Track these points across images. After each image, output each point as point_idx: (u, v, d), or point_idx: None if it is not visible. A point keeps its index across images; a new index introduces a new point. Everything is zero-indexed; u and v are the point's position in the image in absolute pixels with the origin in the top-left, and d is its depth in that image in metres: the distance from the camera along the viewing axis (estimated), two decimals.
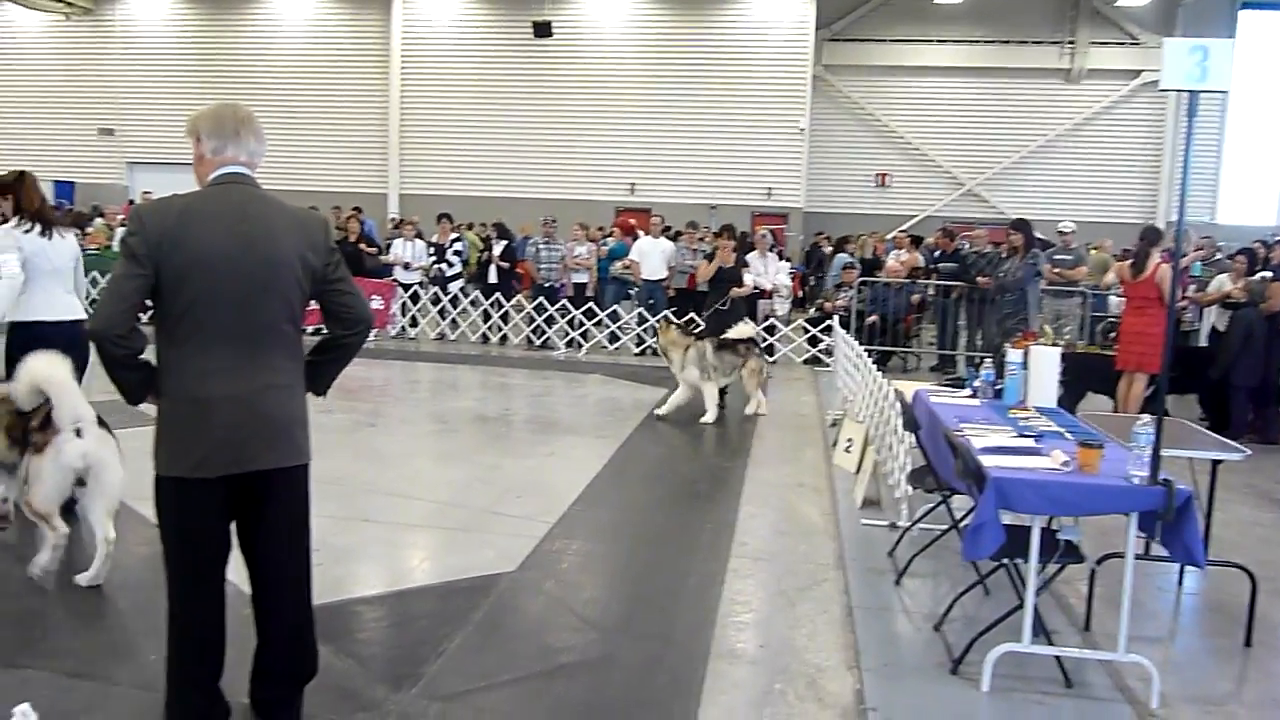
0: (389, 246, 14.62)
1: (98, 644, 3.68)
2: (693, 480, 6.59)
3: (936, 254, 13.61)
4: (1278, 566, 4.90)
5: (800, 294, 18.32)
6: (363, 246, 13.97)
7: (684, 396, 8.61)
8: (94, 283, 14.45)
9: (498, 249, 13.60)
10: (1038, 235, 10.29)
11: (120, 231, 13.43)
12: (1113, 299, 9.05)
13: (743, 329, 8.82)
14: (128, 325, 2.63)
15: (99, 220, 17.16)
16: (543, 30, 21.51)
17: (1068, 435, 4.18)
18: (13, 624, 3.85)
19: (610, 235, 14.75)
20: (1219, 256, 11.56)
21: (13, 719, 1.79)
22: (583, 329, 13.10)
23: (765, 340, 12.45)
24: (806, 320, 13.43)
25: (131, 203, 15.68)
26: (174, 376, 2.70)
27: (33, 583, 4.19)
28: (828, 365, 11.94)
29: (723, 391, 8.69)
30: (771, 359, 12.53)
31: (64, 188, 23.69)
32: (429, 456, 7.12)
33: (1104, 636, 4.02)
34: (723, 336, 8.74)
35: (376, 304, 13.44)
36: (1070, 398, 7.81)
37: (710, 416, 8.41)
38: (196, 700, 2.86)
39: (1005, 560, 3.77)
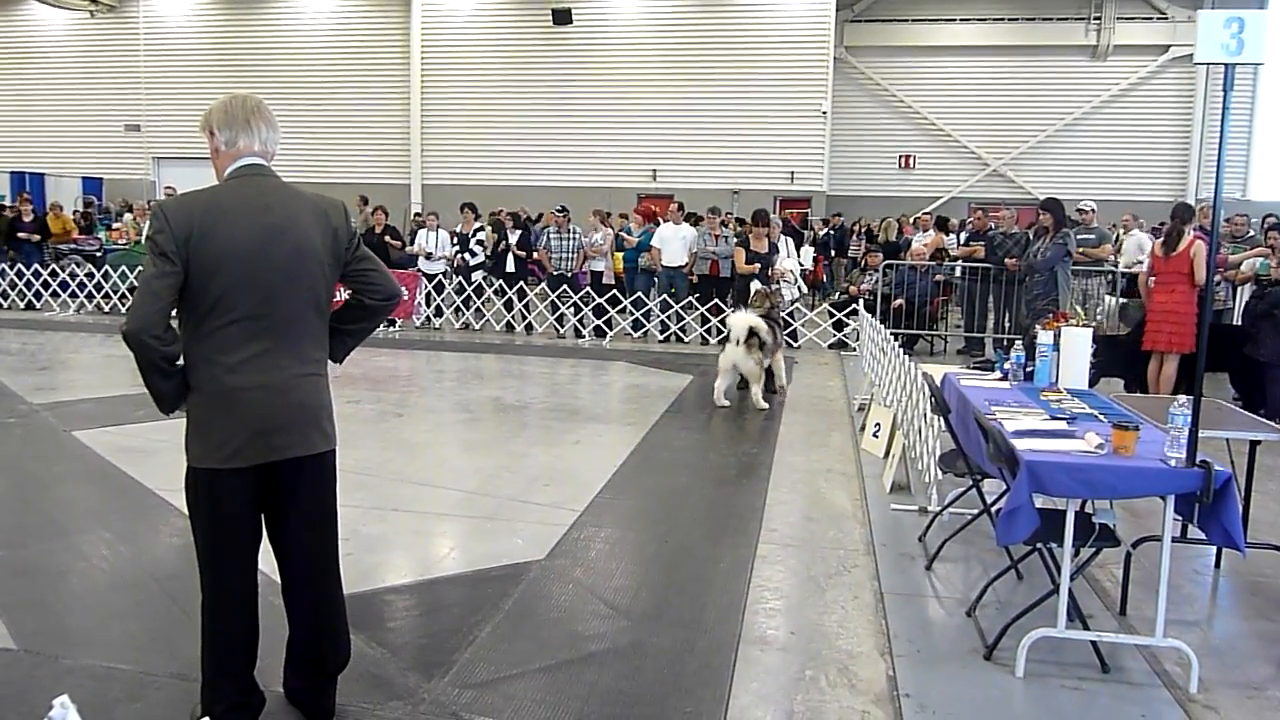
0: (413, 238, 14.71)
1: (134, 635, 3.72)
2: (720, 467, 6.57)
3: (965, 234, 13.50)
4: None
5: (825, 278, 18.24)
6: (388, 239, 14.04)
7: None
8: (123, 277, 14.69)
9: (513, 238, 13.61)
10: (1069, 215, 10.17)
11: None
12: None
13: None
14: (163, 325, 2.62)
15: (127, 216, 17.35)
16: (562, 17, 21.46)
17: (1101, 417, 4.12)
18: (50, 616, 3.91)
19: (629, 220, 14.71)
20: (1251, 234, 11.35)
21: (52, 710, 1.80)
22: (606, 317, 13.10)
23: (788, 326, 12.41)
24: (831, 305, 13.35)
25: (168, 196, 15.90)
26: (204, 369, 2.71)
27: (70, 577, 4.26)
28: (853, 350, 11.86)
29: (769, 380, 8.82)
30: (796, 344, 12.47)
31: (92, 184, 23.96)
32: (456, 445, 7.14)
33: (1140, 621, 3.98)
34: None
35: (401, 294, 13.51)
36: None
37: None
38: (232, 689, 2.88)
39: (1039, 544, 3.73)
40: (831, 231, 18.87)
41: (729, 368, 8.50)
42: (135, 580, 4.27)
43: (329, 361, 3.01)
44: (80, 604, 4.06)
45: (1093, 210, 11.71)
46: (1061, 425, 3.93)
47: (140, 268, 2.86)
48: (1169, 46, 21.85)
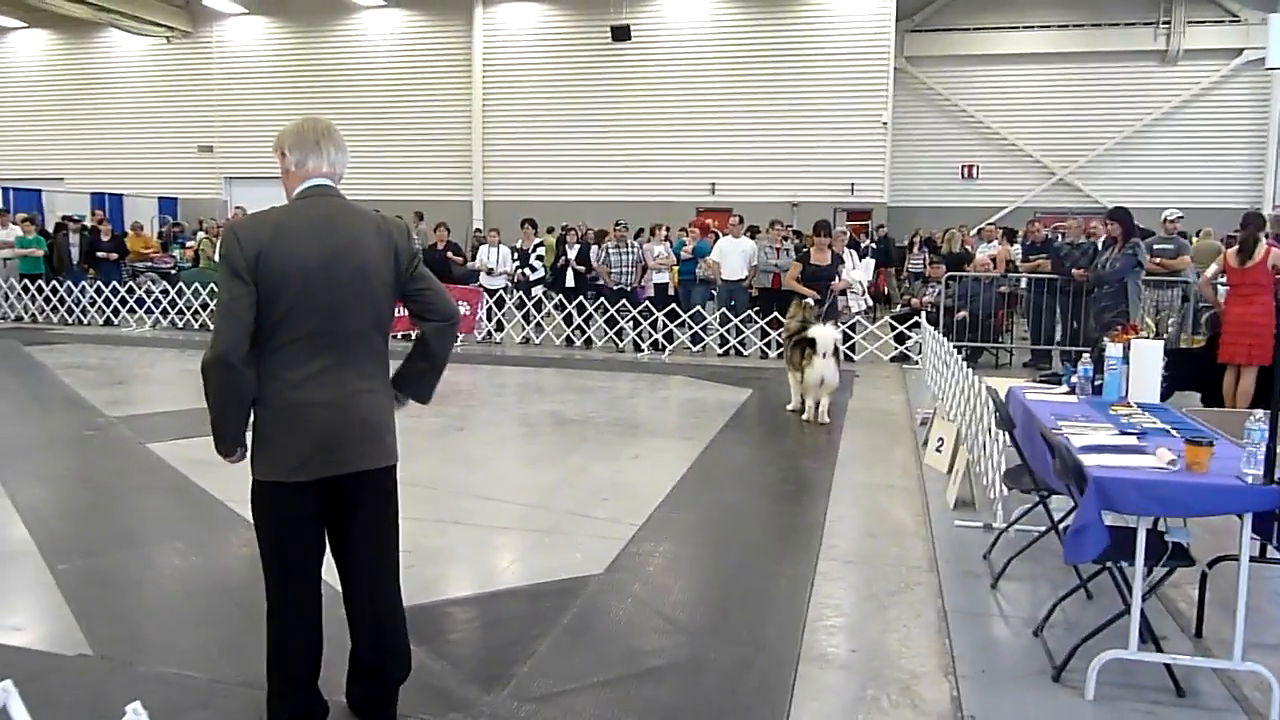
0: (474, 253, 14.92)
1: (205, 643, 3.81)
2: (779, 482, 6.52)
3: (1027, 244, 13.26)
4: None
5: (885, 290, 18.01)
6: (449, 255, 14.26)
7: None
8: (195, 294, 15.15)
9: (573, 253, 13.71)
10: (1138, 225, 9.91)
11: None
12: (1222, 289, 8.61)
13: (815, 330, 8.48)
14: (247, 347, 2.70)
15: (200, 234, 17.90)
16: (621, 34, 21.60)
17: (1174, 432, 4.01)
18: (125, 623, 4.03)
19: (686, 234, 14.70)
20: None
21: (125, 716, 1.86)
22: (666, 330, 13.11)
23: (849, 339, 12.27)
24: (893, 317, 13.19)
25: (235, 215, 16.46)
26: (270, 384, 2.77)
27: (144, 586, 4.38)
28: (916, 363, 11.70)
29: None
30: (856, 357, 12.29)
31: (168, 203, 24.76)
32: (516, 459, 7.20)
33: (1217, 643, 3.84)
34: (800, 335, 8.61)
35: (463, 309, 13.67)
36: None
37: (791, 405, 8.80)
38: (296, 697, 2.94)
39: (1109, 563, 3.62)
40: (874, 244, 18.57)
41: (818, 382, 8.23)
42: (205, 590, 4.38)
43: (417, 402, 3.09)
44: (153, 612, 4.19)
45: (1179, 218, 11.39)
46: (1131, 440, 3.83)
47: (212, 284, 2.94)
48: (1242, 50, 21.18)
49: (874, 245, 18.29)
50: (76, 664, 3.61)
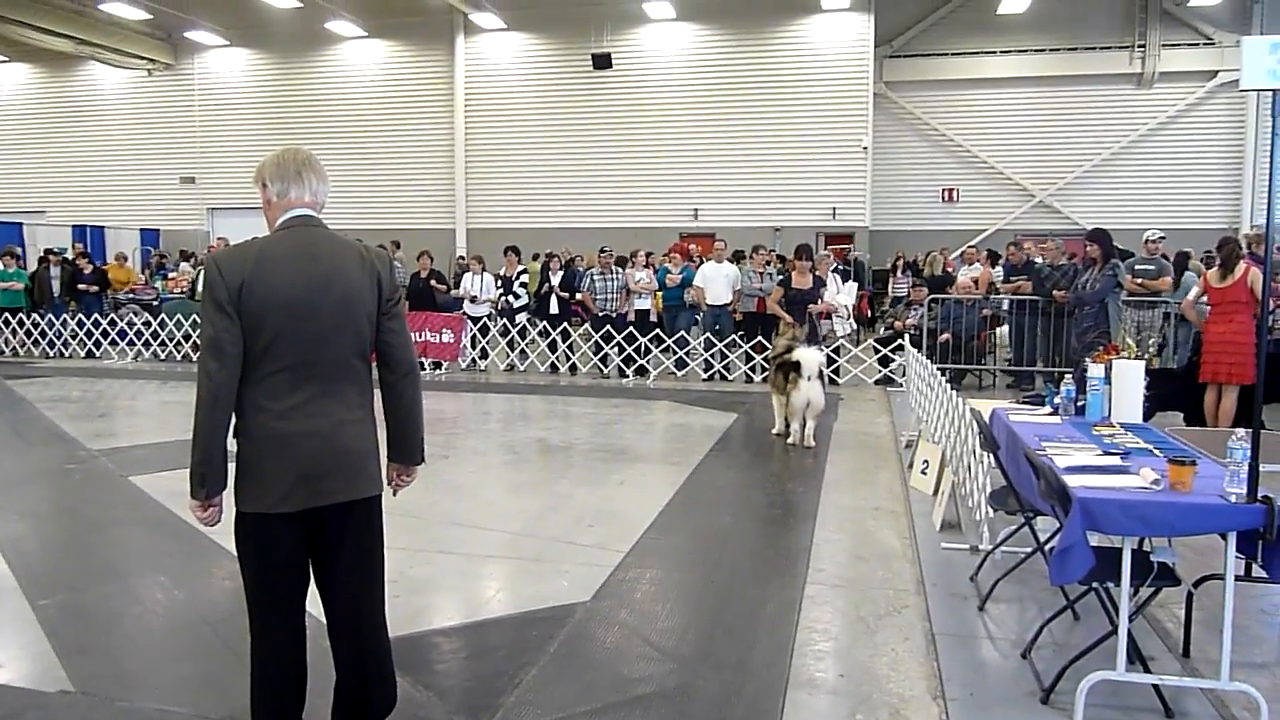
0: (458, 281, 14.92)
1: (187, 677, 3.77)
2: (766, 506, 6.51)
3: (1008, 266, 13.36)
4: None
5: (870, 314, 18.10)
6: (433, 283, 14.26)
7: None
8: (178, 325, 15.08)
9: (556, 279, 13.73)
10: (1117, 245, 9.99)
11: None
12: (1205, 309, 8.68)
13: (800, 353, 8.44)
14: (238, 378, 2.70)
15: (184, 265, 17.84)
16: (602, 62, 21.79)
17: (1157, 452, 4.03)
18: (107, 658, 3.97)
19: (669, 260, 14.76)
20: None
21: None
22: (650, 356, 13.12)
23: (833, 362, 12.30)
24: (877, 340, 13.25)
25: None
26: (254, 415, 2.76)
27: (126, 620, 4.33)
28: (900, 385, 11.73)
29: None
30: (838, 381, 12.33)
31: (150, 235, 24.70)
32: (502, 487, 7.17)
33: (1205, 663, 3.85)
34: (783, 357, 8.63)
35: (447, 337, 13.70)
36: None
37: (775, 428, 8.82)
38: None
39: (1095, 584, 3.63)
40: (845, 267, 18.64)
41: (803, 405, 8.19)
42: (189, 623, 4.33)
43: (414, 462, 3.12)
44: (136, 647, 4.13)
45: (1160, 239, 11.50)
46: (1115, 461, 3.84)
47: (195, 315, 2.93)
48: (1217, 72, 21.53)
49: (846, 268, 18.39)
50: (58, 701, 3.56)
